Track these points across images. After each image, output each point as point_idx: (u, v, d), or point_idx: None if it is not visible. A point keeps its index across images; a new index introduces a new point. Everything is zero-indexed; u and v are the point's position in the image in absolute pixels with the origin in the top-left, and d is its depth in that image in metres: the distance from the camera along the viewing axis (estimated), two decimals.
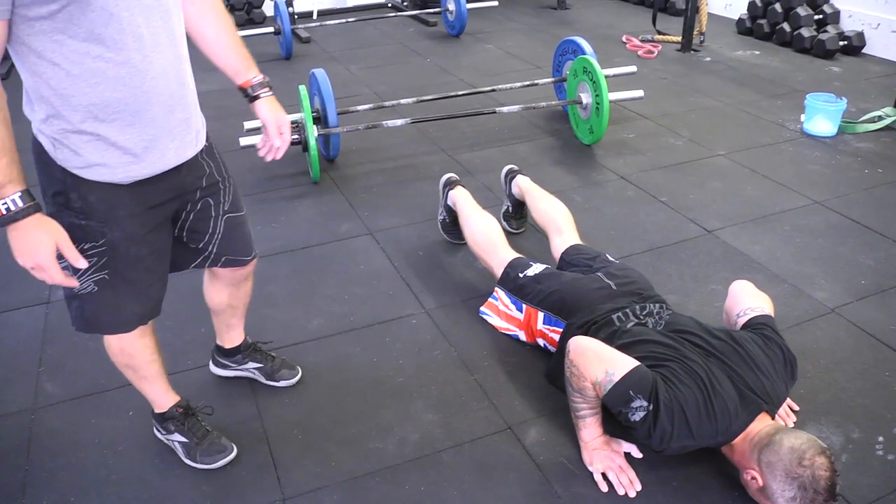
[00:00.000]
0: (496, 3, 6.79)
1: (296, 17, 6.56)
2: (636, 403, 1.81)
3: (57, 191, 1.58)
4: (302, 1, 7.16)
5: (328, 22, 6.49)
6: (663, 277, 2.81)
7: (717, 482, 1.94)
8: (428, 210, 3.38)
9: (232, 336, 2.27)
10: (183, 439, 2.03)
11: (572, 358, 1.95)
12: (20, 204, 1.43)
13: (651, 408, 1.80)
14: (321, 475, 2.00)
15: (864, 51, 5.62)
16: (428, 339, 2.52)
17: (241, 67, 1.85)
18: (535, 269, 2.45)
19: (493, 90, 4.43)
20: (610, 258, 2.53)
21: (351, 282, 2.86)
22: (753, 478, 1.76)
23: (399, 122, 3.85)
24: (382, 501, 1.91)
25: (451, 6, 6.27)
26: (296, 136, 3.56)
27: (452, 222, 3.05)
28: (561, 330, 2.25)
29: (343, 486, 1.96)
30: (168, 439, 2.06)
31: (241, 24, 6.86)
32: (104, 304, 1.71)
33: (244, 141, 3.52)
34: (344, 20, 6.45)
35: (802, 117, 4.18)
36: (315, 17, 7.08)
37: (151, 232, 1.69)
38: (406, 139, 4.19)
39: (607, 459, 1.96)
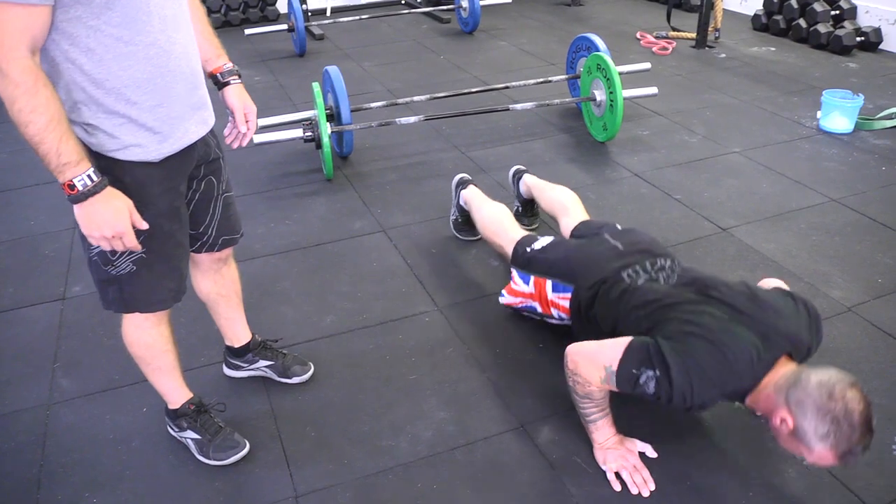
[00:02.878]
0: (510, 0, 6.77)
1: (309, 14, 6.56)
2: (644, 377, 1.78)
3: None
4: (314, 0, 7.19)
5: (342, 19, 6.50)
6: None
7: (732, 482, 1.92)
8: (441, 207, 3.37)
9: (237, 332, 2.28)
10: (196, 436, 2.04)
11: (571, 368, 1.95)
12: (95, 178, 1.49)
13: (659, 373, 1.75)
14: (333, 473, 2.00)
15: (881, 47, 5.56)
16: (441, 337, 2.52)
17: (212, 55, 1.91)
18: (542, 241, 2.42)
19: (507, 87, 4.41)
20: (618, 226, 2.47)
21: (364, 279, 2.87)
22: (783, 420, 1.67)
23: (412, 119, 3.84)
24: (395, 500, 1.91)
25: (465, 3, 6.26)
26: (309, 134, 3.57)
27: (465, 221, 3.05)
28: (570, 296, 2.24)
29: (355, 483, 1.96)
30: (181, 436, 2.07)
31: (255, 22, 6.88)
32: (142, 283, 1.76)
33: (258, 138, 3.52)
34: (357, 17, 6.45)
35: (819, 114, 4.15)
36: (328, 13, 7.09)
37: (178, 206, 1.77)
38: (419, 136, 4.18)
39: (621, 458, 1.95)
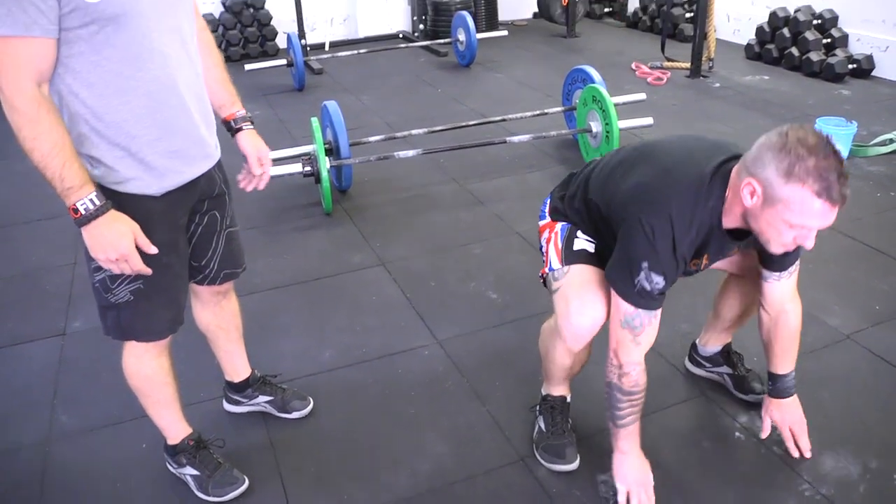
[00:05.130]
0: (506, 33, 6.85)
1: (308, 49, 6.64)
2: (641, 278, 1.68)
3: None
4: (314, 33, 7.27)
5: (340, 53, 6.57)
6: (676, 306, 2.80)
7: None
8: (439, 240, 3.39)
9: (237, 367, 2.28)
10: (195, 472, 2.04)
11: (615, 361, 1.80)
12: (97, 202, 1.53)
13: (646, 264, 1.67)
14: None
15: (873, 73, 5.62)
16: (440, 371, 2.52)
17: (226, 101, 1.95)
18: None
19: (504, 119, 4.46)
20: None
21: (363, 313, 2.87)
22: (752, 191, 1.58)
23: (410, 153, 3.88)
24: None
25: (462, 36, 6.34)
26: (308, 168, 3.59)
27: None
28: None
29: None
30: (180, 472, 2.07)
31: (254, 57, 6.97)
32: (139, 312, 1.78)
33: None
34: (356, 51, 6.52)
35: None
36: (327, 48, 7.17)
37: (178, 239, 1.79)
38: (418, 169, 4.22)
39: (641, 477, 1.89)
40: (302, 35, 6.37)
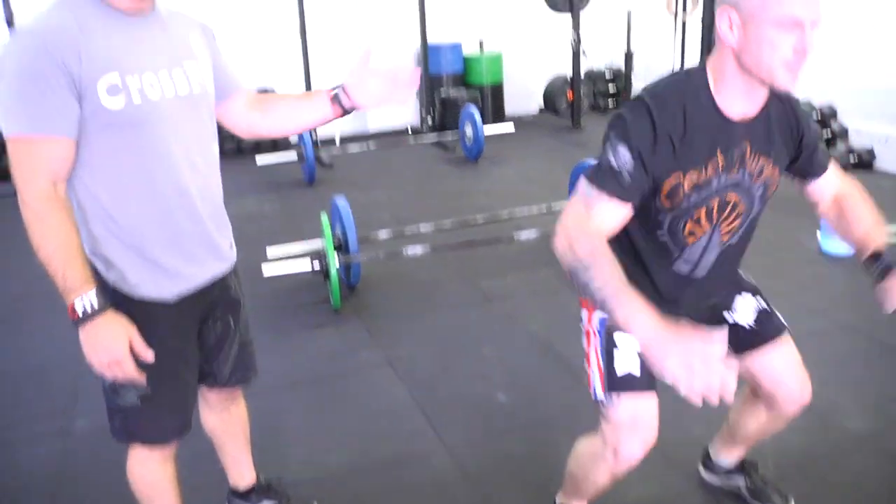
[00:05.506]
0: (512, 127, 7.00)
1: (319, 143, 6.79)
2: (611, 148, 1.53)
3: None
4: (325, 127, 7.42)
5: (350, 147, 6.71)
6: (688, 407, 2.75)
7: None
8: (447, 339, 3.38)
9: (242, 473, 2.24)
10: None
11: (560, 244, 1.52)
12: (95, 303, 1.51)
13: (613, 134, 1.54)
14: None
15: (875, 166, 5.69)
16: (449, 478, 2.46)
17: (318, 103, 1.86)
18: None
19: (511, 218, 4.50)
20: None
21: (370, 415, 2.84)
22: (729, 21, 1.49)
23: (419, 249, 3.91)
24: None
25: (469, 132, 6.47)
26: (317, 265, 3.62)
27: None
28: None
29: None
30: None
31: (266, 149, 7.11)
32: (146, 417, 1.75)
33: (268, 270, 3.58)
34: (365, 146, 6.66)
35: (819, 235, 4.19)
36: (338, 142, 7.33)
37: (187, 346, 1.79)
38: (426, 266, 4.24)
39: (693, 346, 1.25)
40: (312, 129, 6.52)
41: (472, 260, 4.27)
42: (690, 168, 1.58)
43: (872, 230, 1.82)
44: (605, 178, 1.53)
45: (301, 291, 3.94)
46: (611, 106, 8.56)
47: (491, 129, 6.83)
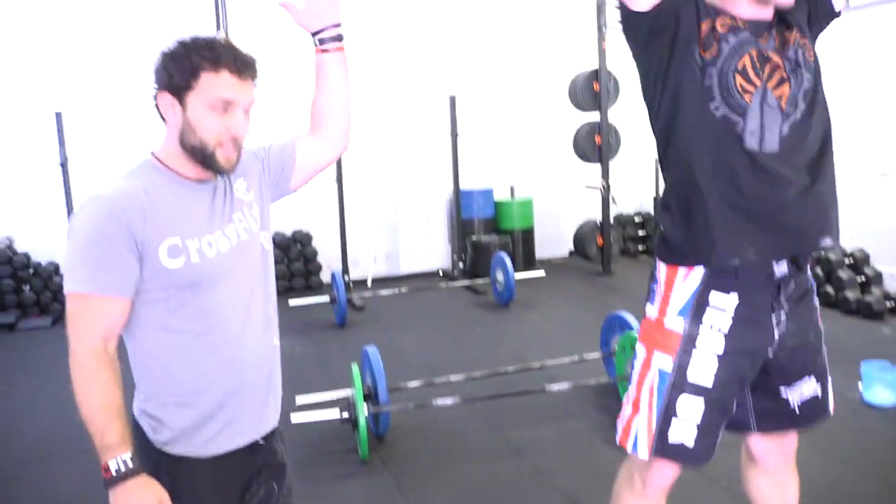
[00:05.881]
0: (543, 273, 7.06)
1: (351, 285, 6.89)
2: None
3: (148, 472, 1.63)
4: (357, 269, 7.56)
5: (382, 291, 6.79)
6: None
7: None
8: (475, 495, 3.28)
9: None
10: None
11: None
12: (130, 465, 1.51)
13: None
14: None
15: None
16: None
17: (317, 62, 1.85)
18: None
19: (542, 367, 4.47)
20: None
21: None
22: None
23: (449, 401, 3.87)
24: None
25: (500, 276, 6.54)
26: (346, 415, 3.59)
27: None
28: None
29: None
30: None
31: (299, 290, 7.23)
32: None
33: (296, 418, 3.56)
34: (397, 289, 6.73)
35: (860, 385, 4.09)
36: (370, 284, 7.43)
37: None
38: (456, 416, 4.17)
39: None
40: (346, 271, 6.64)
41: (503, 410, 4.20)
42: (718, 14, 1.66)
43: None
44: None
45: (329, 441, 3.89)
46: (641, 251, 8.63)
47: (522, 275, 6.90)
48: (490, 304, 6.70)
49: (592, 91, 7.41)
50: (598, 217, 7.81)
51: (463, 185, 7.78)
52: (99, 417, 1.50)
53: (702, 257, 1.73)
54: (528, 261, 8.02)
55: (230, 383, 1.66)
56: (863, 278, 5.84)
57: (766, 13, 1.71)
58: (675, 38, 1.67)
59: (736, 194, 1.69)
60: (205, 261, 1.60)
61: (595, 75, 7.38)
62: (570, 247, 8.43)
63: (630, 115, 8.47)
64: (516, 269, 6.78)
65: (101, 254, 1.51)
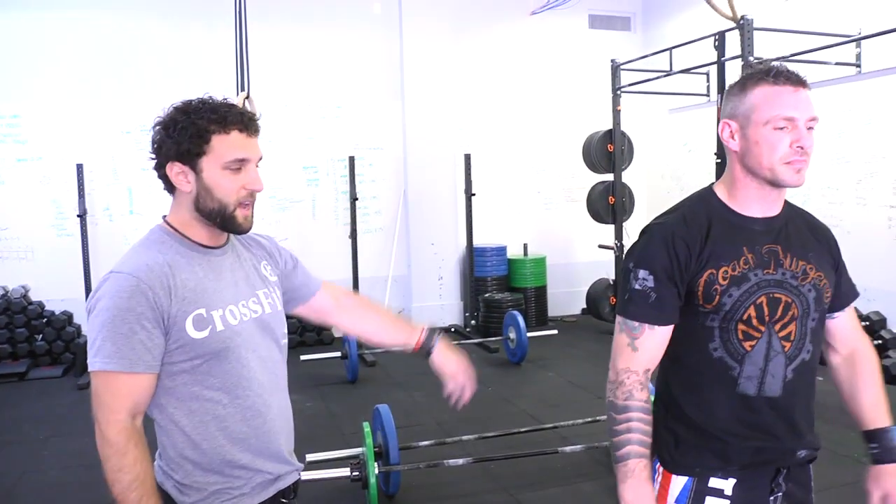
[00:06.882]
0: (556, 332, 7.02)
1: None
2: (630, 282, 1.65)
3: None
4: None
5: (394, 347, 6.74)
6: None
7: None
8: None
9: None
10: None
11: (610, 378, 1.73)
12: None
13: (632, 264, 1.67)
14: None
15: None
16: None
17: (407, 337, 2.02)
18: None
19: (555, 427, 4.41)
20: None
21: None
22: (729, 131, 1.64)
23: (461, 461, 3.82)
24: None
25: (513, 334, 6.50)
26: (356, 473, 3.55)
27: None
28: None
29: None
30: None
31: (310, 344, 7.21)
32: None
33: (306, 475, 3.50)
34: None
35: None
36: None
37: None
38: (467, 476, 4.11)
39: None
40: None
41: (515, 470, 4.13)
42: (721, 264, 1.62)
43: (877, 406, 1.83)
44: (635, 305, 1.64)
45: (338, 498, 3.83)
46: None
47: (535, 333, 6.87)
48: (502, 362, 6.65)
49: (606, 152, 7.48)
50: (612, 276, 7.80)
51: (476, 242, 7.81)
52: (132, 495, 1.51)
53: (688, 472, 1.72)
54: (540, 319, 8.00)
55: (256, 449, 1.68)
56: (880, 341, 5.77)
57: (775, 208, 1.69)
58: (681, 296, 1.67)
59: (721, 430, 1.69)
60: (229, 328, 1.63)
61: (609, 136, 7.46)
62: (583, 305, 8.40)
63: (643, 175, 8.56)
64: (529, 327, 6.75)
65: (127, 330, 1.52)
